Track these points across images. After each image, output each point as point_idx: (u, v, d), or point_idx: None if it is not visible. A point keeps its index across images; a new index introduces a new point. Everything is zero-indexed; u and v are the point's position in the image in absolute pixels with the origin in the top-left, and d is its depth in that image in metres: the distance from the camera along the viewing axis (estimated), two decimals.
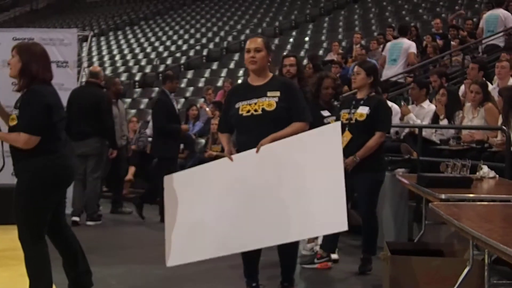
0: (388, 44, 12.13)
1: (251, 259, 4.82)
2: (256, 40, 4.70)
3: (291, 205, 4.43)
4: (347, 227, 4.26)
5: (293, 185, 4.45)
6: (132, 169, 10.94)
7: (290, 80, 5.47)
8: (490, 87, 8.11)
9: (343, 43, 16.61)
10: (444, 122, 7.73)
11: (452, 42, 12.63)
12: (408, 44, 11.69)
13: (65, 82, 9.53)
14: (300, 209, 4.42)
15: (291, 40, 19.67)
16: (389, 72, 11.60)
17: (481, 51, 12.21)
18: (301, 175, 4.44)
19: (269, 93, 4.60)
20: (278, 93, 4.60)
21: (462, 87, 9.01)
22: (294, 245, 4.88)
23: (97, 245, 6.91)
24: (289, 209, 4.43)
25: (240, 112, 4.60)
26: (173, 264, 4.87)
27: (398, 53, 11.59)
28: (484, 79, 8.21)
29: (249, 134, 4.60)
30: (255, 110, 4.57)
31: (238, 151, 4.68)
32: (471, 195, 4.65)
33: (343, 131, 5.96)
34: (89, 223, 8.65)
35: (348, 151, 5.84)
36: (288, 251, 4.84)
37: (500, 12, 12.09)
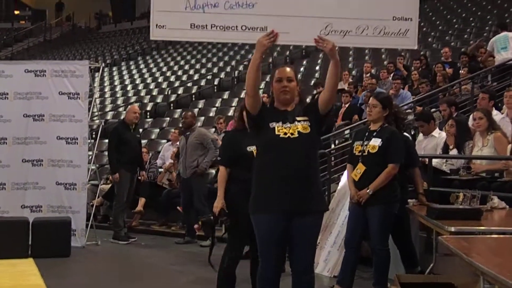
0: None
1: None
2: (286, 69, 4.69)
3: None
4: None
5: None
6: (142, 201, 10.95)
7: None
8: (499, 116, 8.10)
9: (353, 72, 16.66)
10: (454, 152, 7.71)
11: (461, 71, 12.64)
12: None
13: (76, 114, 9.62)
14: None
15: (302, 69, 19.73)
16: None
17: (490, 79, 12.22)
18: None
19: (298, 118, 4.60)
20: (306, 118, 4.62)
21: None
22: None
23: None
24: None
25: (277, 133, 4.57)
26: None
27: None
28: (494, 108, 8.20)
29: (283, 155, 4.53)
30: (292, 134, 4.55)
31: (259, 171, 4.64)
32: (481, 227, 4.62)
33: (356, 163, 6.00)
34: None
35: (361, 183, 5.86)
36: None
37: (507, 33, 12.47)
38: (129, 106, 11.24)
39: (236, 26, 4.47)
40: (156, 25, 4.39)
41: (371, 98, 6.26)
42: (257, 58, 4.43)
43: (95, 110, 11.30)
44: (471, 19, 21.03)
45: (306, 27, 4.51)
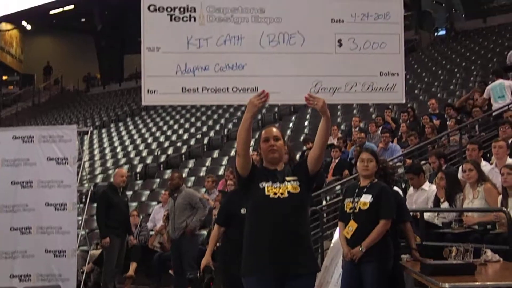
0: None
1: None
2: (272, 129, 4.71)
3: None
4: None
5: None
6: (133, 265, 10.81)
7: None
8: (489, 167, 8.11)
9: (342, 127, 16.72)
10: (445, 205, 7.68)
11: (448, 122, 12.71)
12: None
13: (64, 179, 9.57)
14: None
15: (290, 125, 19.81)
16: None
17: (478, 129, 12.29)
18: None
19: (287, 178, 4.57)
20: (295, 177, 4.58)
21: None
22: None
23: None
24: None
25: (267, 193, 4.53)
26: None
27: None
28: (482, 158, 8.20)
29: (273, 216, 4.47)
30: (281, 194, 4.52)
31: (249, 232, 4.56)
32: (476, 283, 4.57)
33: (347, 220, 5.94)
34: None
35: (353, 241, 5.80)
36: None
37: (503, 81, 12.82)
38: (116, 169, 11.21)
39: (227, 88, 4.49)
40: (148, 90, 4.40)
41: (365, 153, 6.21)
42: (248, 118, 4.45)
43: (84, 174, 11.24)
44: (455, 70, 21.30)
45: (296, 86, 4.56)
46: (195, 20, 4.45)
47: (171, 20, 4.43)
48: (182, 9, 4.45)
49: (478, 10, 30.01)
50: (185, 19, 4.44)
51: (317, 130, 4.60)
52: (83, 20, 40.12)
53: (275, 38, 4.56)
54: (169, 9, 4.43)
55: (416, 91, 19.69)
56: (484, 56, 21.89)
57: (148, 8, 4.42)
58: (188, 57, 4.43)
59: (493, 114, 12.22)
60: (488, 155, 9.29)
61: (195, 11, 4.46)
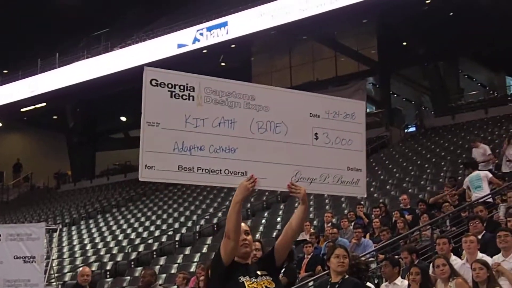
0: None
1: None
2: (242, 224, 4.69)
3: None
4: None
5: None
6: None
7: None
8: (460, 262, 8.11)
9: (315, 222, 16.68)
10: None
11: (420, 220, 12.78)
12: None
13: (31, 278, 9.37)
14: None
15: (263, 221, 19.74)
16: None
17: (449, 224, 12.36)
18: None
19: (259, 272, 4.53)
20: (265, 272, 4.55)
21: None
22: None
23: None
24: None
25: None
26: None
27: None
28: (452, 254, 8.22)
29: None
30: None
31: None
32: None
33: None
34: None
35: None
36: None
37: (479, 172, 13.42)
38: (80, 269, 10.98)
39: (220, 170, 4.52)
40: (146, 165, 4.37)
41: (340, 249, 6.16)
42: (238, 200, 4.43)
43: (52, 272, 11.02)
44: (426, 165, 21.58)
45: (280, 174, 4.67)
46: (193, 99, 4.51)
47: (171, 96, 4.46)
48: (182, 87, 4.50)
49: (446, 108, 30.76)
50: (184, 97, 4.49)
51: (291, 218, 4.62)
52: (55, 117, 40.24)
53: (263, 125, 4.70)
54: (169, 86, 4.47)
55: (387, 187, 19.84)
56: (453, 152, 22.26)
57: (150, 82, 4.44)
58: (185, 135, 4.45)
59: (473, 204, 12.44)
60: (459, 250, 9.29)
61: (194, 90, 4.52)
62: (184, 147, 4.46)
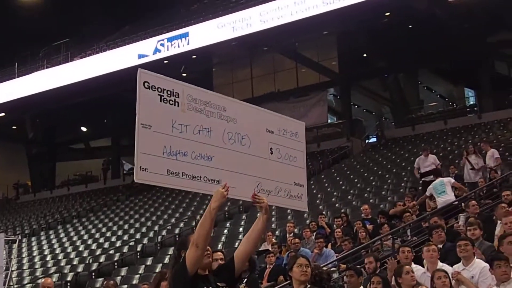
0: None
1: None
2: None
3: None
4: None
5: None
6: None
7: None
8: (420, 271, 8.20)
9: (277, 232, 16.72)
10: None
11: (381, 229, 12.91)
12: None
13: None
14: None
15: (225, 231, 19.71)
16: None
17: (410, 234, 12.49)
18: None
19: (218, 283, 4.56)
20: (224, 283, 4.58)
21: None
22: None
23: None
24: None
25: None
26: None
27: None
28: (412, 262, 8.31)
29: None
30: None
31: None
32: None
33: None
34: None
35: None
36: None
37: (442, 179, 13.69)
38: (41, 280, 10.84)
39: (200, 177, 4.60)
40: (140, 167, 4.38)
41: (302, 259, 6.17)
42: (215, 207, 4.45)
43: (11, 284, 10.85)
44: (387, 176, 21.80)
45: (246, 184, 4.83)
46: (178, 105, 4.57)
47: (160, 100, 4.51)
48: (169, 92, 4.55)
49: (407, 119, 31.15)
50: (171, 102, 4.54)
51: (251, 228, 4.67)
52: (14, 127, 39.67)
53: (233, 136, 4.85)
54: (159, 89, 4.51)
55: (349, 197, 19.99)
56: (413, 162, 22.41)
57: (143, 84, 4.47)
58: (172, 140, 4.51)
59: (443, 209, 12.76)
60: (420, 259, 9.39)
61: (178, 96, 4.58)
62: (172, 152, 4.51)
